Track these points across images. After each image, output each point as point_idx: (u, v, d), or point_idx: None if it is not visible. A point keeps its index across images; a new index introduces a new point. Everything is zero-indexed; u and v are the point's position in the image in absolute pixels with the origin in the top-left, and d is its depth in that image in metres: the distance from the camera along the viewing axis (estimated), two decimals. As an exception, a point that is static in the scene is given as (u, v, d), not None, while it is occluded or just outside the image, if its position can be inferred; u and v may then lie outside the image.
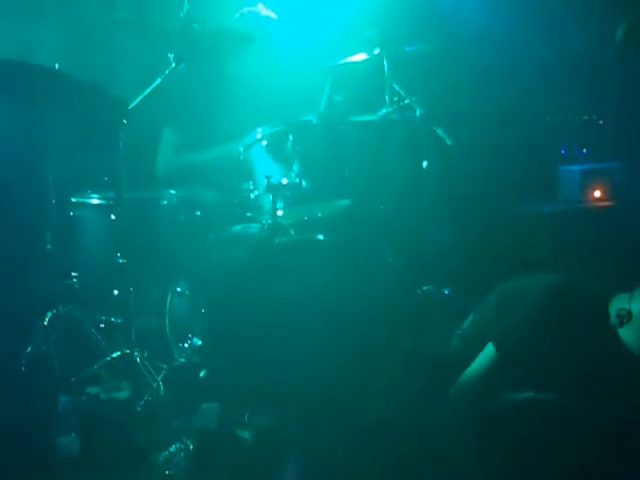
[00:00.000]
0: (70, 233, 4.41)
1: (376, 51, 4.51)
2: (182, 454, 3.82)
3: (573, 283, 3.42)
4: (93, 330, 4.34)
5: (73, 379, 4.11)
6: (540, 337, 3.30)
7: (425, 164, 4.41)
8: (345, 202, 4.28)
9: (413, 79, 4.55)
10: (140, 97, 4.14)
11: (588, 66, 5.19)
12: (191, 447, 3.82)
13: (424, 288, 4.32)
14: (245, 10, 4.64)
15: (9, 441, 3.74)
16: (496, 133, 5.06)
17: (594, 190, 5.09)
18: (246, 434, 3.79)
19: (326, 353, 3.89)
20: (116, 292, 4.28)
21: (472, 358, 3.48)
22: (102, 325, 4.36)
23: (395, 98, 4.49)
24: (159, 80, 4.16)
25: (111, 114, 4.04)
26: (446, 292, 4.32)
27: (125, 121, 4.02)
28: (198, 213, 4.47)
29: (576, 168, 5.17)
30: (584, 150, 5.31)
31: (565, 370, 3.28)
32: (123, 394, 4.18)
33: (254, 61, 4.61)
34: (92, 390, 4.17)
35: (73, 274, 4.41)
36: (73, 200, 4.44)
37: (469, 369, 3.47)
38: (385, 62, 4.48)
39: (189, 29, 4.17)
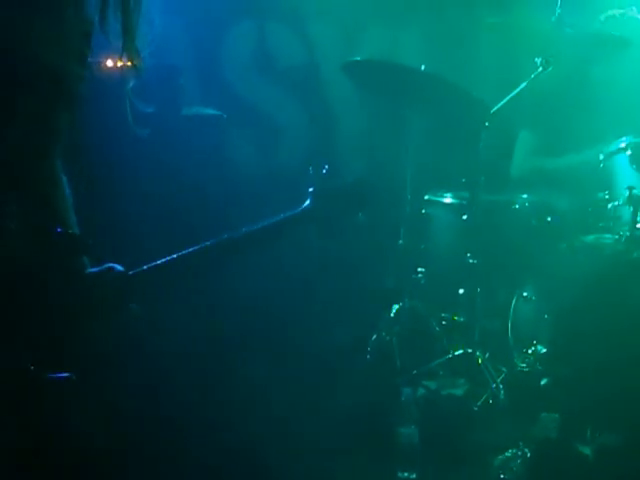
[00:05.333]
0: (421, 229, 4.52)
1: None
2: (518, 460, 3.79)
3: None
4: (435, 326, 4.44)
5: (415, 372, 4.22)
6: None
7: None
8: None
9: None
10: (504, 100, 4.14)
11: None
12: (528, 455, 3.78)
13: None
14: (616, 12, 4.48)
15: (354, 420, 3.94)
16: None
17: None
18: (587, 450, 3.68)
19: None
20: (461, 291, 4.34)
21: None
22: (444, 322, 4.43)
23: None
24: (524, 84, 4.14)
25: (474, 116, 4.09)
26: None
27: (487, 124, 4.06)
28: (549, 219, 4.41)
29: None
30: None
31: None
32: (459, 391, 4.23)
33: (622, 66, 4.45)
34: (431, 384, 4.26)
35: (420, 269, 4.53)
36: (426, 198, 4.56)
37: None
38: None
39: (560, 33, 4.11)
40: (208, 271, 2.09)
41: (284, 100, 5.09)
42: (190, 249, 2.04)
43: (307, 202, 2.23)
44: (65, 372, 1.77)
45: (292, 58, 5.16)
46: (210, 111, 4.48)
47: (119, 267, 1.97)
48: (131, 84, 3.98)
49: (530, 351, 4.18)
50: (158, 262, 1.99)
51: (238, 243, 2.10)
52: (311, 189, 2.25)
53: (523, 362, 4.19)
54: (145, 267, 1.97)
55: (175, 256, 2.01)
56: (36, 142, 1.91)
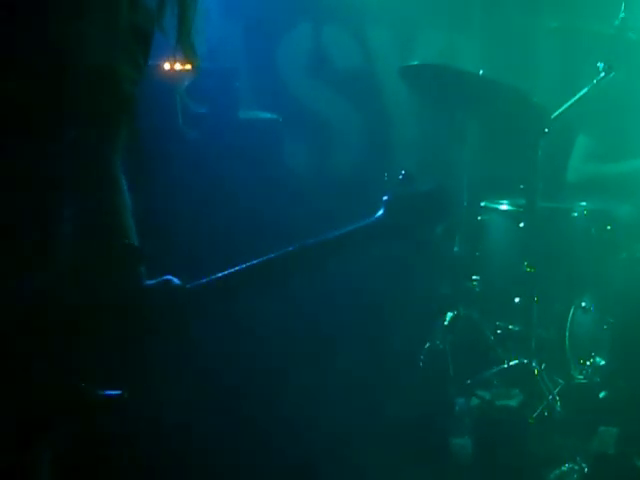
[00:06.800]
0: (476, 237, 4.46)
1: None
2: (575, 475, 3.71)
3: None
4: (490, 335, 4.36)
5: (469, 381, 4.16)
6: None
7: None
8: None
9: None
10: (565, 106, 4.06)
11: None
12: (585, 470, 3.70)
13: None
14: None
15: (406, 430, 3.89)
16: None
17: None
18: (646, 466, 3.60)
19: None
20: (517, 300, 4.26)
21: None
22: (499, 331, 4.35)
23: None
24: (586, 89, 4.06)
25: (533, 122, 4.01)
26: None
27: (547, 130, 3.98)
28: (609, 227, 4.31)
29: None
30: None
31: None
32: (514, 402, 4.15)
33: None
34: (484, 394, 4.19)
35: (474, 277, 4.46)
36: (482, 204, 4.49)
37: None
38: None
39: (623, 37, 4.02)
40: (271, 286, 1.98)
41: (340, 104, 5.06)
42: (252, 262, 1.94)
43: (380, 211, 1.99)
44: (117, 389, 1.72)
45: (348, 62, 5.12)
46: (266, 115, 4.47)
47: (176, 280, 1.90)
48: (186, 84, 3.97)
49: (588, 363, 4.09)
50: (218, 275, 1.91)
51: (305, 256, 1.93)
52: (385, 197, 2.00)
53: (580, 374, 4.10)
54: (204, 280, 1.90)
55: (236, 269, 1.92)
56: (92, 142, 1.87)
